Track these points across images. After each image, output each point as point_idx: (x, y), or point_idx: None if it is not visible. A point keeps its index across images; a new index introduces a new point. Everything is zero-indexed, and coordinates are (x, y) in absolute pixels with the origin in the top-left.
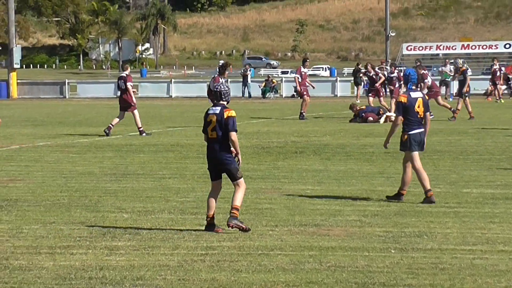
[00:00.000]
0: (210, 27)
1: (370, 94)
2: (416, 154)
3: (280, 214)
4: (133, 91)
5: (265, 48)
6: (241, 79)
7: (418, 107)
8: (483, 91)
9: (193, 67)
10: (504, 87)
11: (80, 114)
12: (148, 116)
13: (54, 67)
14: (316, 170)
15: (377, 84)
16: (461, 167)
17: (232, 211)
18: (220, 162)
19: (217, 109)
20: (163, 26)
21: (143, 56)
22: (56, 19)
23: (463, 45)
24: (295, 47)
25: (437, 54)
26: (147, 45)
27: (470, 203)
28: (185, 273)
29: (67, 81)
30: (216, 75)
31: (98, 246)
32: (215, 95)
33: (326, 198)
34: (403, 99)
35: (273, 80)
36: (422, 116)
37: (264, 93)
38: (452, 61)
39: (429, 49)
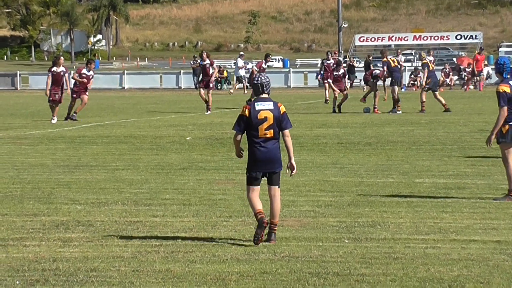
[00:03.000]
0: (163, 18)
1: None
2: None
3: (234, 205)
4: None
5: (217, 39)
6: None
7: None
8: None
9: (146, 59)
10: (456, 77)
11: (32, 106)
12: (100, 108)
13: (5, 58)
14: None
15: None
16: (414, 157)
17: (275, 229)
18: (276, 163)
19: (270, 104)
20: (115, 17)
21: (95, 47)
22: (7, 10)
23: (415, 36)
24: (247, 38)
25: (390, 45)
26: (99, 36)
27: (422, 193)
28: (139, 264)
29: (18, 72)
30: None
31: (51, 238)
32: (255, 88)
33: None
34: (506, 88)
35: (224, 72)
36: None
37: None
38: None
39: (381, 40)
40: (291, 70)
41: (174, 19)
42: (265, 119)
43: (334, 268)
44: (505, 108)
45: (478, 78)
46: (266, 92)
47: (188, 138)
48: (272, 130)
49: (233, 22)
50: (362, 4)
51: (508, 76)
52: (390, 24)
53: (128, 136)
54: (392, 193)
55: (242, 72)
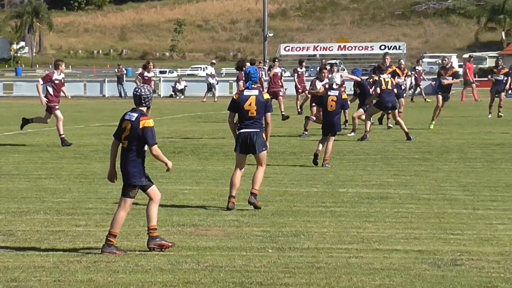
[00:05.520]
0: (87, 26)
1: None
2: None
3: (158, 214)
4: None
5: (143, 47)
6: (116, 79)
7: (249, 105)
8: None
9: (70, 66)
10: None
11: None
12: (22, 116)
13: None
14: (194, 170)
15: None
16: (338, 167)
17: (154, 231)
18: (127, 175)
19: (133, 116)
20: (38, 24)
21: (18, 54)
22: None
23: (339, 46)
24: (173, 47)
25: (315, 55)
26: (22, 43)
27: (346, 202)
28: (61, 274)
29: None
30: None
31: None
32: (134, 99)
33: (204, 198)
34: (236, 96)
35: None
36: (254, 115)
37: None
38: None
39: (307, 50)
40: (217, 79)
41: (99, 26)
42: (125, 129)
43: (257, 277)
44: (231, 113)
45: (471, 87)
46: (144, 105)
47: None
48: (127, 142)
49: (159, 30)
50: (288, 13)
51: (253, 86)
52: (316, 34)
53: (51, 145)
54: (316, 203)
55: (212, 80)
